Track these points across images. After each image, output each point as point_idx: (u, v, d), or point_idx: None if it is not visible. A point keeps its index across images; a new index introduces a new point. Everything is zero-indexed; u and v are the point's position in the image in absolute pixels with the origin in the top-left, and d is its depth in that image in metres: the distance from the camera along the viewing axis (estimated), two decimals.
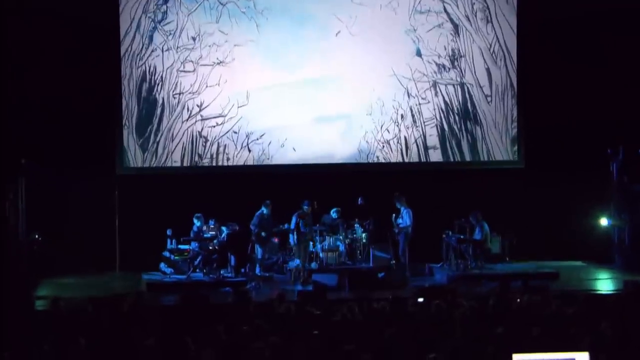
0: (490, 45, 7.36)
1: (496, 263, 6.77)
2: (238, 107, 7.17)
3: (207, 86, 7.13)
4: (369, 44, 7.24)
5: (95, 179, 6.67)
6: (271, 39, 7.18)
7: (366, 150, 7.24)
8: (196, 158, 7.09)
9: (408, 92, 7.30)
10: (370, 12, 7.28)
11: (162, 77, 7.05)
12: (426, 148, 7.30)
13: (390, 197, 6.65)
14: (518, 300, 4.28)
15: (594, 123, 7.02)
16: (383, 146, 7.26)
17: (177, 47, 7.08)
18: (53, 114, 6.71)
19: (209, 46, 7.11)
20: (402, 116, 7.26)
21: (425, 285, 5.73)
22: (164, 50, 7.10)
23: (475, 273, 6.43)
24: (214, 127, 7.15)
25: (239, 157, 7.17)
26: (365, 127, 7.27)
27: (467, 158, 7.37)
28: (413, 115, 7.28)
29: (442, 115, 7.33)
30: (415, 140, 7.30)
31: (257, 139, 7.17)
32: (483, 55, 7.38)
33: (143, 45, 7.06)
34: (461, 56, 7.33)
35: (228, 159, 7.12)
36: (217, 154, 7.09)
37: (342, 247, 6.53)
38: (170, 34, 7.11)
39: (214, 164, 7.12)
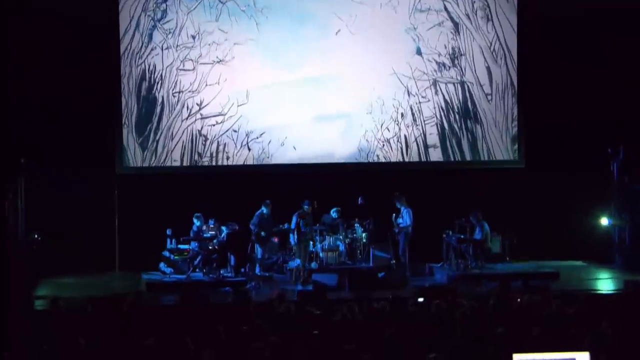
0: (491, 44, 7.35)
1: (496, 263, 6.77)
2: (238, 105, 7.16)
3: (206, 85, 7.12)
4: (369, 43, 7.23)
5: (95, 178, 6.67)
6: (271, 37, 7.16)
7: (366, 149, 7.23)
8: (196, 157, 7.08)
9: (408, 91, 7.29)
10: (371, 10, 7.26)
11: (161, 75, 7.04)
12: (426, 147, 7.30)
13: (391, 196, 6.64)
14: (518, 300, 4.27)
15: (594, 122, 7.01)
16: (383, 145, 7.26)
17: (177, 46, 7.07)
18: (52, 113, 6.71)
19: (209, 45, 7.09)
20: (402, 115, 7.25)
21: (426, 285, 5.73)
22: (164, 48, 7.08)
23: (475, 273, 6.43)
24: (214, 125, 7.14)
25: (238, 156, 7.16)
26: (365, 125, 7.27)
27: (467, 157, 7.36)
28: (413, 114, 7.27)
29: (442, 113, 7.32)
30: (416, 139, 7.29)
31: (257, 138, 7.17)
32: (483, 54, 7.37)
33: (142, 43, 7.05)
34: (461, 54, 7.32)
35: (228, 158, 7.11)
36: (217, 152, 7.08)
37: (342, 247, 6.52)
38: (169, 32, 7.10)
39: (213, 162, 7.11)
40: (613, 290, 5.98)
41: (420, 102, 7.31)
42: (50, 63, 6.69)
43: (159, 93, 7.09)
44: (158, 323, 4.03)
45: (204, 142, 7.08)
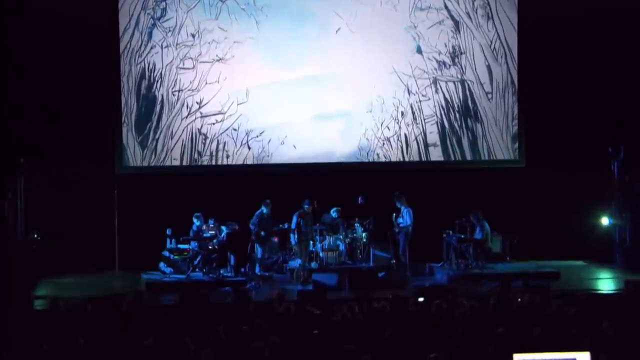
0: (491, 42, 7.33)
1: (497, 262, 6.75)
2: (238, 104, 7.14)
3: (206, 83, 7.10)
4: (369, 41, 7.21)
5: (95, 178, 6.66)
6: (271, 36, 7.14)
7: (366, 147, 7.22)
8: (196, 155, 7.07)
9: (408, 89, 7.27)
10: (371, 9, 7.24)
11: (161, 74, 7.02)
12: (426, 145, 7.28)
13: (391, 196, 6.63)
14: (519, 299, 4.27)
15: (595, 121, 6.98)
16: (383, 143, 7.24)
17: (177, 44, 7.05)
18: (52, 112, 6.69)
19: (209, 43, 7.07)
20: (402, 113, 7.24)
21: (426, 285, 5.73)
22: (163, 47, 7.06)
23: (475, 272, 6.41)
24: (214, 124, 7.12)
25: (238, 155, 7.14)
26: (365, 124, 7.25)
27: (468, 155, 7.35)
28: (413, 113, 7.25)
29: (442, 112, 7.30)
30: (416, 138, 7.28)
31: (257, 137, 7.15)
32: (484, 52, 7.34)
33: (142, 42, 7.03)
34: (462, 53, 7.30)
35: (228, 157, 7.09)
36: (217, 151, 7.06)
37: (342, 247, 6.51)
38: (169, 30, 7.08)
39: (213, 161, 7.10)
40: (614, 290, 5.98)
41: (420, 101, 7.29)
42: (49, 62, 6.67)
43: (158, 92, 7.08)
44: (158, 323, 4.03)
45: (203, 141, 7.07)
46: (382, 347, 3.44)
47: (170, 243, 6.72)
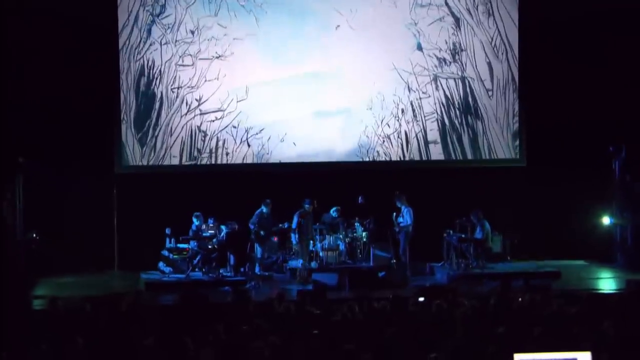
0: (492, 39, 7.29)
1: (497, 262, 6.73)
2: (237, 101, 7.11)
3: (206, 80, 7.07)
4: (369, 38, 7.17)
5: (94, 177, 6.63)
6: (270, 32, 7.10)
7: (366, 145, 7.20)
8: (195, 152, 7.05)
9: (409, 87, 7.24)
10: (371, 6, 7.20)
11: (160, 71, 6.99)
12: (427, 143, 7.25)
13: (391, 195, 6.61)
14: (519, 299, 4.25)
15: (596, 120, 6.95)
16: (383, 141, 7.22)
17: (176, 41, 7.01)
18: (51, 111, 6.66)
19: (208, 40, 7.04)
20: (402, 110, 7.22)
21: (426, 285, 5.71)
22: (162, 43, 7.03)
23: (476, 272, 6.40)
24: (213, 121, 7.10)
25: (238, 152, 7.12)
26: (365, 121, 7.22)
27: (468, 153, 7.33)
28: (414, 110, 7.23)
29: (442, 109, 7.27)
30: (416, 135, 7.26)
31: (257, 134, 7.13)
32: (484, 49, 7.31)
33: (141, 38, 6.99)
34: (462, 50, 7.26)
35: (227, 154, 7.07)
36: (216, 148, 7.04)
37: (342, 246, 6.50)
38: (168, 27, 7.04)
39: (213, 158, 7.07)
40: (615, 289, 5.96)
41: (420, 98, 7.26)
42: (47, 60, 6.63)
43: (157, 89, 7.04)
44: (157, 323, 4.01)
45: (203, 138, 7.04)
46: (382, 347, 3.43)
47: (170, 242, 6.71)
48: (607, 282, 6.40)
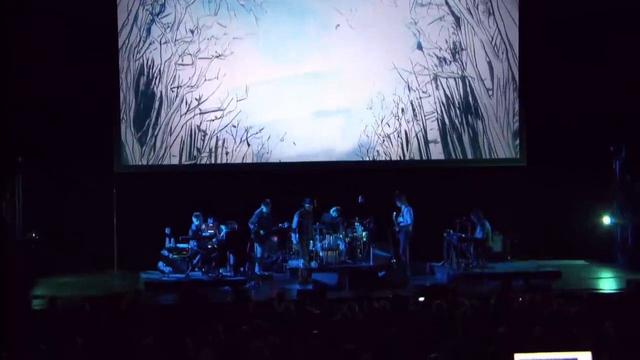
0: (492, 38, 7.29)
1: (497, 262, 6.72)
2: (237, 100, 7.10)
3: (205, 80, 7.06)
4: (369, 38, 7.17)
5: (93, 176, 6.62)
6: (270, 32, 7.10)
7: (366, 144, 7.19)
8: (195, 152, 7.04)
9: (409, 86, 7.23)
10: (371, 5, 7.19)
11: (160, 70, 6.98)
12: (427, 142, 7.25)
13: (391, 195, 6.60)
14: (520, 299, 4.24)
15: (596, 119, 6.94)
16: (383, 140, 7.21)
17: (175, 40, 7.00)
18: (50, 111, 6.65)
19: (208, 39, 7.03)
20: (402, 110, 7.21)
21: (426, 284, 5.70)
22: (162, 43, 7.02)
23: (476, 272, 6.39)
24: (213, 121, 7.09)
25: (237, 151, 7.11)
26: (365, 121, 7.22)
27: (468, 152, 7.32)
28: (414, 109, 7.22)
29: (443, 109, 7.27)
30: (416, 134, 7.25)
31: (257, 133, 7.12)
32: (485, 48, 7.30)
33: (140, 38, 6.99)
34: (462, 49, 7.25)
35: (227, 153, 7.07)
36: (216, 148, 7.04)
37: (342, 246, 6.49)
38: (168, 26, 7.03)
39: (212, 157, 7.07)
40: (615, 289, 5.95)
41: (420, 97, 7.26)
42: (47, 59, 6.62)
43: (157, 88, 7.04)
44: (157, 322, 4.01)
45: (202, 138, 7.04)
46: (382, 346, 3.43)
47: (169, 242, 6.70)
48: (607, 282, 6.39)
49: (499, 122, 7.34)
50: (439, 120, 7.29)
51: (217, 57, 7.05)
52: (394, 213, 6.60)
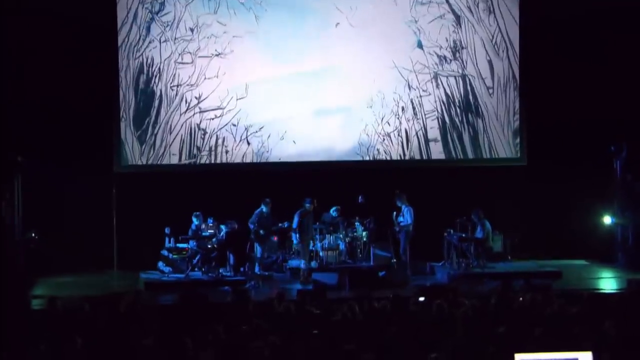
0: (493, 37, 7.26)
1: (498, 262, 6.71)
2: (237, 99, 7.08)
3: (205, 78, 7.05)
4: (369, 36, 7.14)
5: (93, 176, 6.60)
6: (270, 30, 7.07)
7: (366, 143, 7.18)
8: (194, 151, 7.02)
9: (409, 84, 7.22)
10: (371, 3, 7.16)
11: (159, 68, 6.96)
12: (427, 141, 7.23)
13: (391, 195, 6.58)
14: (520, 299, 4.23)
15: (597, 118, 6.91)
16: (384, 139, 7.20)
17: (175, 39, 6.98)
18: (50, 110, 6.63)
19: (207, 38, 7.01)
20: (402, 108, 7.20)
21: (427, 284, 5.68)
22: (162, 41, 7.00)
23: (476, 272, 6.37)
24: (213, 119, 7.08)
25: (237, 150, 7.09)
26: (365, 119, 7.20)
27: (469, 151, 7.30)
28: (414, 108, 7.21)
29: (443, 107, 7.25)
30: (416, 133, 7.23)
31: (257, 132, 7.10)
32: (485, 47, 7.28)
33: (140, 36, 6.97)
34: (463, 48, 7.24)
35: (227, 152, 7.05)
36: (216, 146, 7.02)
37: (342, 246, 6.48)
38: (167, 25, 7.01)
39: (212, 156, 7.05)
40: (616, 289, 5.93)
41: (421, 96, 7.24)
42: (46, 58, 6.59)
43: (157, 86, 7.02)
44: (156, 322, 4.01)
45: (202, 136, 7.02)
46: (382, 347, 3.42)
47: (169, 242, 6.69)
48: (608, 282, 6.38)
49: (500, 121, 7.33)
50: (439, 119, 7.27)
51: (216, 55, 7.03)
52: (394, 213, 6.59)
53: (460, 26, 7.23)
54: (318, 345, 3.44)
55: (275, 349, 3.34)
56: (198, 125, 7.06)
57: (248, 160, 7.07)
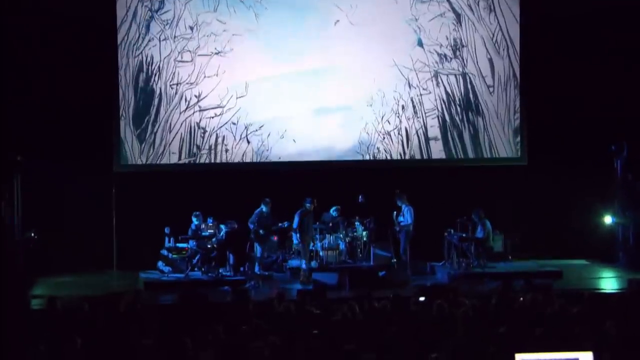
0: (493, 35, 7.24)
1: (498, 261, 6.70)
2: (237, 97, 7.07)
3: (205, 76, 7.03)
4: (369, 34, 7.12)
5: (92, 176, 6.59)
6: (270, 28, 7.06)
7: (367, 141, 7.16)
8: (194, 149, 7.01)
9: (409, 83, 7.20)
10: (371, 1, 7.14)
11: (159, 67, 6.95)
12: (427, 139, 7.22)
13: (391, 194, 6.57)
14: (521, 299, 4.22)
15: (597, 118, 6.89)
16: (384, 137, 7.19)
17: (175, 37, 6.96)
18: (49, 109, 6.61)
19: (207, 36, 6.99)
20: (403, 107, 7.18)
21: (427, 284, 5.66)
22: (161, 39, 6.98)
23: (477, 272, 6.36)
24: (212, 118, 7.06)
25: (237, 149, 7.08)
26: (365, 118, 7.19)
27: (469, 149, 7.29)
28: (414, 106, 7.20)
29: (443, 106, 7.24)
30: (417, 132, 7.22)
31: (256, 131, 7.09)
32: (485, 45, 7.26)
33: (140, 34, 6.95)
34: (463, 46, 7.22)
35: (227, 150, 7.04)
36: (216, 145, 7.01)
37: (342, 246, 6.47)
38: (167, 23, 6.99)
39: (212, 155, 7.04)
40: (617, 289, 5.92)
41: (421, 94, 7.23)
42: (45, 57, 6.56)
43: (156, 85, 7.01)
44: (156, 322, 4.01)
45: (202, 135, 7.01)
46: (383, 347, 3.41)
47: (169, 242, 6.67)
48: (609, 282, 6.36)
49: (500, 119, 7.31)
50: (440, 117, 7.26)
51: (216, 53, 7.01)
52: (395, 212, 6.57)
53: (461, 24, 7.21)
54: (318, 345, 3.44)
55: (275, 349, 3.33)
56: (198, 124, 7.05)
57: (248, 158, 7.07)
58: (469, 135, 7.29)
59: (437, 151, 7.25)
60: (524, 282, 5.38)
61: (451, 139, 7.26)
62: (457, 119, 7.27)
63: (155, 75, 6.96)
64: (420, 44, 7.18)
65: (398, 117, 7.18)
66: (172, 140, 6.98)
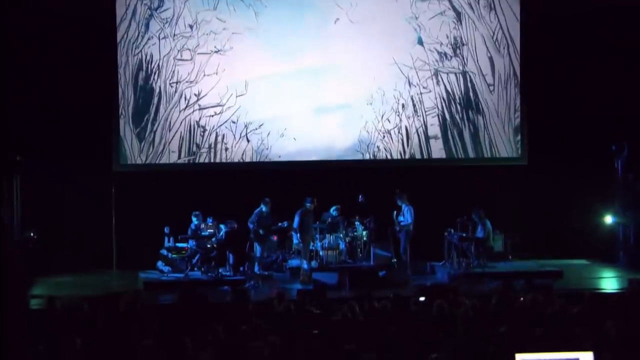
0: (494, 33, 7.23)
1: (499, 261, 6.69)
2: (236, 96, 7.05)
3: (204, 75, 7.01)
4: (369, 32, 7.11)
5: (92, 175, 6.57)
6: (270, 27, 7.04)
7: (367, 140, 7.15)
8: (194, 148, 7.00)
9: (409, 81, 7.19)
10: None
11: (158, 65, 6.93)
12: (427, 138, 7.22)
13: (392, 194, 6.56)
14: (521, 299, 4.22)
15: (598, 117, 6.88)
16: (384, 136, 7.18)
17: (174, 35, 6.95)
18: (48, 108, 6.59)
19: (207, 34, 6.97)
20: (403, 105, 7.17)
21: (427, 284, 5.65)
22: (161, 38, 6.96)
23: (477, 271, 6.35)
24: (212, 116, 7.05)
25: (237, 147, 7.07)
26: (365, 116, 7.18)
27: (469, 148, 7.28)
28: (414, 105, 7.19)
29: (443, 104, 7.23)
30: (417, 130, 7.22)
31: (256, 129, 7.08)
32: (486, 44, 7.24)
33: (139, 33, 6.93)
34: (463, 44, 7.20)
35: (226, 149, 7.03)
36: (216, 143, 7.00)
37: (342, 245, 6.46)
38: (166, 21, 6.97)
39: (212, 153, 7.03)
40: (617, 289, 5.91)
41: (421, 93, 7.21)
42: (44, 55, 6.55)
43: (156, 83, 6.99)
44: (156, 322, 4.00)
45: (202, 133, 7.00)
46: (382, 346, 3.41)
47: (169, 241, 6.66)
48: (609, 282, 6.35)
49: (500, 118, 7.30)
50: (440, 116, 7.25)
51: (216, 52, 7.00)
52: (395, 212, 6.56)
53: (461, 23, 7.19)
54: (318, 345, 3.44)
55: (275, 349, 3.33)
56: (197, 122, 7.03)
57: (248, 157, 7.06)
58: (469, 134, 7.29)
59: (437, 150, 7.24)
60: (524, 282, 5.37)
61: (451, 138, 7.25)
62: (457, 117, 7.26)
63: (155, 73, 6.94)
64: (420, 42, 7.16)
65: (398, 115, 7.17)
66: (172, 139, 6.97)
